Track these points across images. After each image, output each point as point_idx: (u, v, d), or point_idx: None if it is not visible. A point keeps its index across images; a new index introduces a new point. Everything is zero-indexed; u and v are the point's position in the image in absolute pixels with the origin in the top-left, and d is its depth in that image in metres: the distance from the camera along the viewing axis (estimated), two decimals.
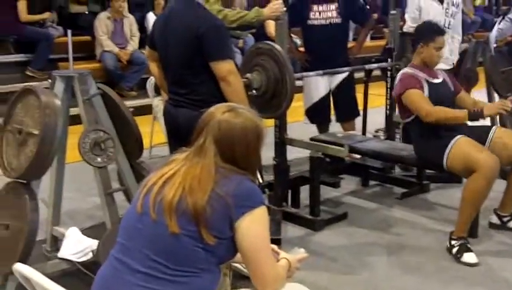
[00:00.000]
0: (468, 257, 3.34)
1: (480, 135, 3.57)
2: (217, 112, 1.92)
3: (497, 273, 3.19)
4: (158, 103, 4.86)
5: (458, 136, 3.48)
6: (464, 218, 3.43)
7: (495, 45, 5.05)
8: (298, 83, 4.38)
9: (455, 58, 4.89)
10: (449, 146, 3.45)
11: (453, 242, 3.43)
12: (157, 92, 4.82)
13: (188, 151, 1.91)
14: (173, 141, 3.23)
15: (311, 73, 4.28)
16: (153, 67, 3.32)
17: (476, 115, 3.48)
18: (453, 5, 4.73)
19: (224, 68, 2.98)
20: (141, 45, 7.40)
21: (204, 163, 1.84)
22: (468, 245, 3.39)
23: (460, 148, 3.43)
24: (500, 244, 3.57)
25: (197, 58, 3.01)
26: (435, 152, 3.52)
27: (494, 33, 5.11)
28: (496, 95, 5.11)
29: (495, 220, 3.76)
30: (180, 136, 2.98)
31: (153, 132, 5.33)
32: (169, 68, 3.16)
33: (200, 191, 1.78)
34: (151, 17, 7.56)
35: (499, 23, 5.16)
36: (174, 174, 1.85)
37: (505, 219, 3.73)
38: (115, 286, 1.79)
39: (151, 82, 5.23)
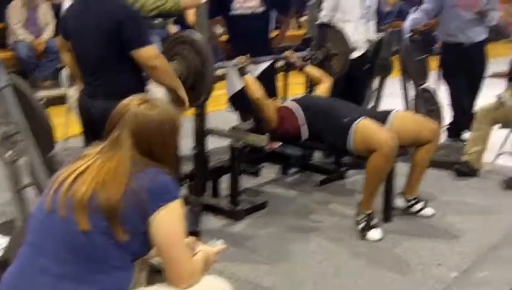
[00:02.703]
0: (373, 234, 3.50)
1: (380, 118, 3.68)
2: (132, 103, 1.88)
3: (412, 257, 3.30)
4: (73, 93, 4.71)
5: (359, 119, 3.57)
6: (367, 194, 3.55)
7: (409, 34, 5.18)
8: (221, 71, 4.36)
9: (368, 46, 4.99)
10: (351, 130, 3.54)
11: (358, 218, 3.57)
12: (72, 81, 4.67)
13: (102, 145, 1.86)
14: (89, 133, 3.15)
15: (232, 62, 4.24)
16: (66, 57, 3.22)
17: None
18: None
19: (147, 54, 2.93)
20: (57, 33, 7.16)
21: (120, 156, 1.80)
22: (373, 222, 3.53)
23: (361, 130, 3.52)
24: (413, 228, 3.68)
25: (114, 48, 2.94)
26: (340, 138, 3.60)
27: (408, 23, 5.24)
28: (410, 83, 5.25)
29: (401, 203, 3.85)
30: (95, 128, 2.90)
31: (68, 123, 5.16)
32: (84, 58, 3.07)
33: (115, 186, 1.73)
34: (67, 5, 7.31)
35: (413, 13, 5.30)
36: (86, 169, 1.80)
37: (410, 203, 3.82)
38: (24, 285, 1.73)
39: (65, 72, 5.05)
